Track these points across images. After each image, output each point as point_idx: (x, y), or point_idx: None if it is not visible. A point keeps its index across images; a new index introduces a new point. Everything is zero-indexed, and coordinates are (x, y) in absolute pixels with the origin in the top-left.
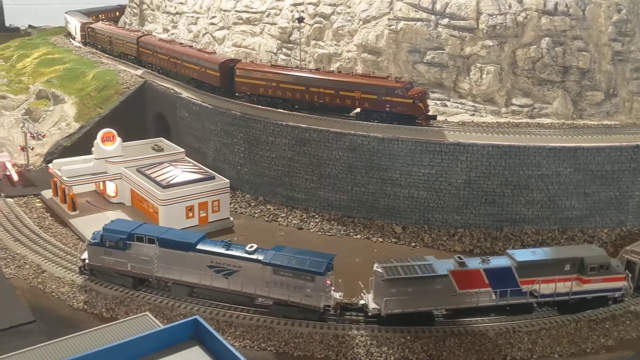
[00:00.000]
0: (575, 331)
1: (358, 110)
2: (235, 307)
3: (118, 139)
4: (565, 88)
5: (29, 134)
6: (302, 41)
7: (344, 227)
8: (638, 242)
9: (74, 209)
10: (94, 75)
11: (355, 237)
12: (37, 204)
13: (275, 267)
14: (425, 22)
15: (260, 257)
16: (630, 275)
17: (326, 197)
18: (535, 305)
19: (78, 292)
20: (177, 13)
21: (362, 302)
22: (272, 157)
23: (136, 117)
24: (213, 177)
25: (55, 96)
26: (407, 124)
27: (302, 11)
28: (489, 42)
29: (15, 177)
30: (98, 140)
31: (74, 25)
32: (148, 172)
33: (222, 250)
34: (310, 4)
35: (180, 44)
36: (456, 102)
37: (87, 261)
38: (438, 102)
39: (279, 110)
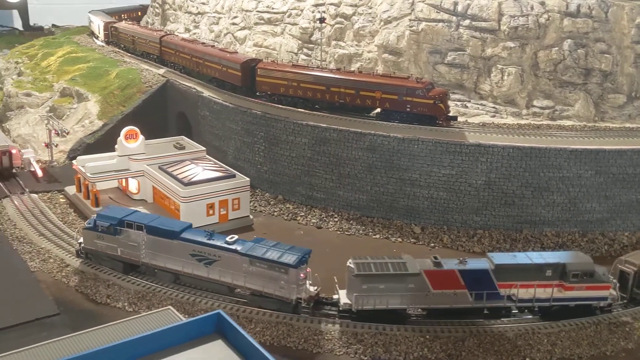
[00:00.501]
0: (595, 333)
1: (378, 110)
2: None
3: (141, 137)
4: (587, 90)
5: (53, 131)
6: (322, 41)
7: (363, 227)
8: (634, 252)
9: (97, 205)
10: (117, 74)
11: (374, 237)
12: (61, 200)
13: (251, 257)
14: (446, 23)
15: (238, 248)
16: (617, 284)
17: (345, 197)
18: (515, 309)
19: (101, 285)
20: (199, 13)
21: (335, 296)
22: (292, 156)
23: (158, 115)
24: (234, 176)
25: (79, 94)
26: (428, 125)
27: (323, 12)
28: (510, 44)
29: (39, 173)
30: (121, 137)
31: (97, 24)
32: (170, 169)
33: (204, 240)
34: (331, 4)
35: (203, 43)
36: (477, 104)
37: (82, 244)
38: (458, 103)
39: (300, 109)
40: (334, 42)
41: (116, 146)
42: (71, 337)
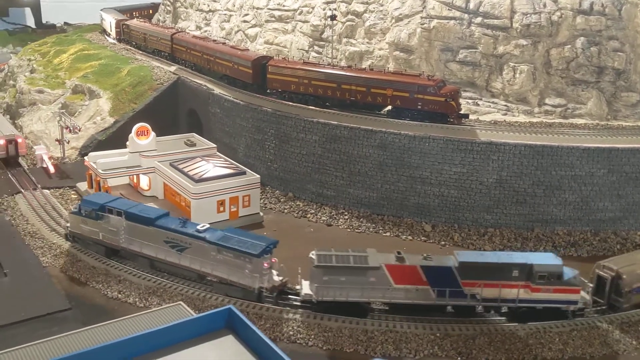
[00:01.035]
0: (608, 333)
1: (389, 107)
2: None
3: (152, 134)
4: (599, 88)
5: (65, 128)
6: (333, 39)
7: (373, 225)
8: (614, 257)
9: None
10: (129, 71)
11: (384, 234)
12: (73, 196)
13: (218, 246)
14: (458, 21)
15: (207, 236)
16: (590, 289)
17: (356, 194)
18: (480, 309)
19: (112, 281)
20: (210, 11)
21: (298, 287)
22: (303, 154)
23: (169, 112)
24: (244, 173)
25: (90, 91)
26: (439, 122)
27: (335, 9)
28: (522, 41)
29: (51, 169)
30: (133, 134)
31: (109, 22)
32: (181, 166)
33: (176, 227)
34: (342, 2)
35: (214, 41)
36: (488, 101)
37: (69, 228)
38: (470, 101)
39: (310, 107)
40: (345, 40)
41: (127, 143)
42: (82, 331)
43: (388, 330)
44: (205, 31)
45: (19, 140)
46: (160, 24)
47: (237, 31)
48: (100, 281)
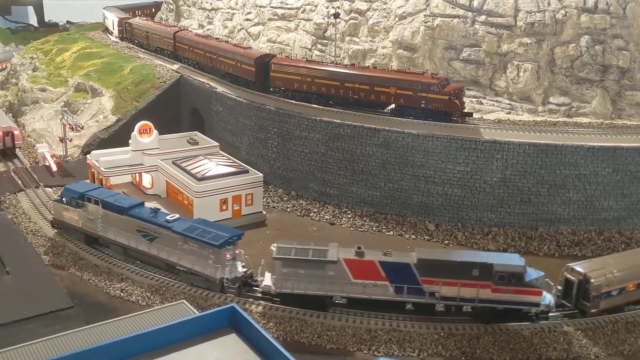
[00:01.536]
0: (613, 333)
1: (393, 106)
2: (268, 300)
3: (155, 132)
4: (604, 87)
5: (67, 126)
6: (337, 37)
7: (377, 224)
8: (584, 261)
9: None
10: (131, 70)
11: (387, 233)
12: None
13: (184, 236)
14: (462, 19)
15: (174, 227)
16: (555, 291)
17: (359, 193)
18: (441, 307)
19: (115, 279)
20: (212, 9)
21: (260, 278)
22: (306, 152)
23: (171, 110)
24: (247, 171)
25: (93, 89)
26: (443, 121)
27: (338, 7)
28: (526, 40)
29: (54, 167)
30: (135, 132)
31: (112, 20)
32: (183, 164)
33: (147, 217)
34: (345, 0)
35: (216, 39)
36: (492, 100)
37: (52, 215)
38: (474, 99)
39: (313, 105)
40: (348, 38)
41: (130, 141)
42: (85, 329)
43: (392, 329)
44: (208, 29)
45: (16, 132)
46: (163, 22)
47: (240, 29)
48: (103, 279)
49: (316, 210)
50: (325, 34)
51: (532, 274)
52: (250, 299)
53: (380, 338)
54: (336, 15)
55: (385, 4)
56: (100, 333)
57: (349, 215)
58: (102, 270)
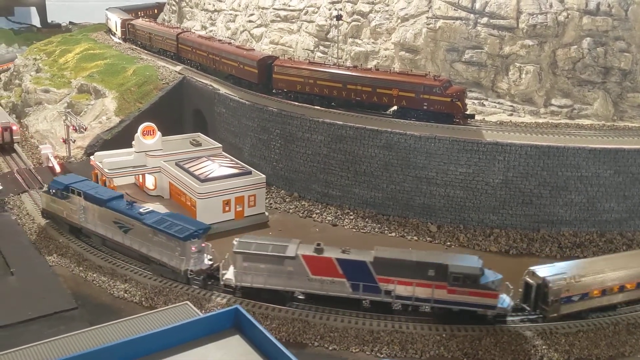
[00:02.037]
0: (614, 334)
1: (395, 108)
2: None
3: (158, 133)
4: (606, 89)
5: (71, 127)
6: (339, 39)
7: (379, 225)
8: (546, 265)
9: None
10: (134, 71)
11: (389, 235)
12: None
13: (152, 228)
14: (464, 21)
15: (145, 219)
16: (511, 294)
17: (361, 195)
18: (398, 306)
19: (118, 280)
20: (215, 10)
21: (223, 272)
22: (308, 154)
23: (174, 112)
24: (250, 172)
25: (96, 90)
26: (445, 123)
27: (340, 9)
28: (528, 42)
29: (57, 168)
30: (139, 133)
31: (115, 21)
32: (186, 166)
33: (122, 209)
34: (348, 1)
35: (219, 40)
36: (494, 102)
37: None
38: (476, 101)
39: (316, 107)
40: (350, 40)
41: (133, 142)
42: (89, 330)
43: (394, 330)
44: (211, 31)
45: (14, 127)
46: (166, 23)
47: (243, 31)
48: (107, 280)
49: (318, 211)
50: (328, 36)
51: (490, 276)
52: (215, 291)
53: (382, 339)
54: (338, 17)
55: (388, 5)
56: (104, 334)
57: (352, 217)
58: (105, 271)
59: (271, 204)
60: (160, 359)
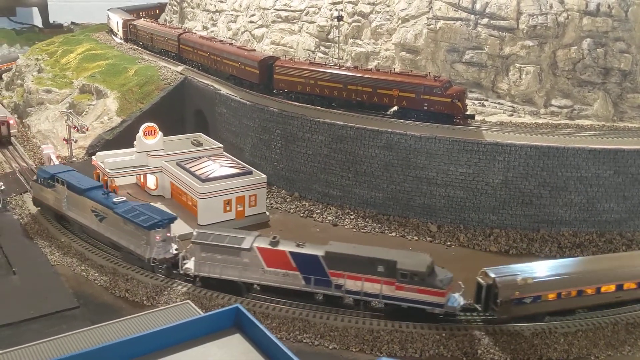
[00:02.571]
0: (613, 334)
1: (395, 108)
2: (272, 299)
3: (159, 133)
4: (606, 90)
5: (72, 127)
6: (340, 39)
7: (379, 225)
8: (502, 266)
9: None
10: (136, 71)
11: (390, 234)
12: None
13: (122, 217)
14: (464, 22)
15: (116, 208)
16: (461, 293)
17: (362, 195)
18: (350, 301)
19: (120, 279)
20: (216, 11)
21: (185, 262)
22: (309, 154)
23: (176, 112)
24: (250, 172)
25: (98, 91)
26: (445, 123)
27: (341, 10)
28: (529, 43)
29: None
30: (140, 134)
31: (116, 22)
32: (187, 166)
33: (98, 198)
34: (349, 2)
35: (221, 41)
36: (494, 102)
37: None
38: (476, 101)
39: (316, 107)
40: (351, 40)
41: (135, 142)
42: (90, 329)
43: (394, 330)
44: (212, 31)
45: (11, 121)
46: (167, 24)
47: (244, 31)
48: (108, 280)
49: (319, 211)
50: (329, 37)
51: (440, 274)
52: (177, 280)
53: (382, 338)
54: (339, 18)
55: (388, 6)
56: (105, 333)
57: (352, 217)
58: (107, 271)
59: (272, 203)
60: (161, 358)
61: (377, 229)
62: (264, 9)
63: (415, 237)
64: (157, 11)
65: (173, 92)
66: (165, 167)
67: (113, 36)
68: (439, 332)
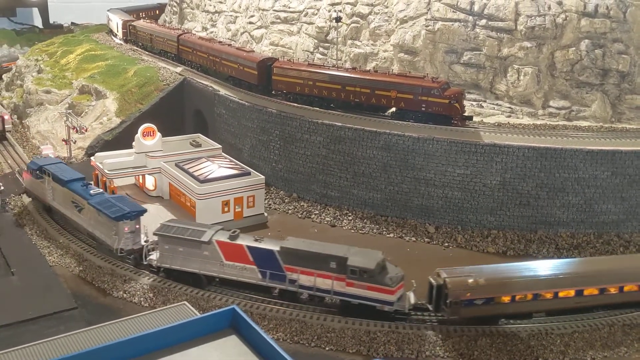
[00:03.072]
0: (609, 335)
1: (393, 109)
2: (269, 300)
3: (158, 134)
4: (604, 91)
5: (72, 128)
6: (338, 40)
7: (377, 226)
8: (455, 267)
9: None
10: (135, 72)
11: (388, 235)
12: None
13: (95, 208)
14: (462, 23)
15: (90, 199)
16: (412, 292)
17: (360, 196)
18: (305, 296)
19: (118, 281)
20: (216, 12)
21: (151, 253)
22: (307, 155)
23: (175, 113)
24: (249, 173)
25: (97, 91)
26: (443, 124)
27: (340, 11)
28: (527, 44)
29: None
30: (139, 135)
31: (116, 22)
32: (186, 166)
33: (77, 189)
34: (347, 3)
35: (220, 42)
36: (492, 103)
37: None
38: (474, 103)
39: (315, 108)
40: (349, 42)
41: (134, 143)
42: (88, 330)
43: (390, 331)
44: (211, 32)
45: (5, 117)
46: (167, 24)
47: (243, 32)
48: (106, 281)
49: (317, 212)
50: (327, 38)
51: (391, 272)
52: (144, 271)
53: (379, 340)
54: (338, 19)
55: (387, 7)
56: (102, 334)
57: (350, 218)
58: (105, 272)
59: (270, 204)
60: (158, 359)
61: (375, 230)
62: (263, 10)
63: (413, 238)
64: (157, 12)
65: (172, 92)
66: (164, 168)
67: (113, 37)
68: (436, 333)
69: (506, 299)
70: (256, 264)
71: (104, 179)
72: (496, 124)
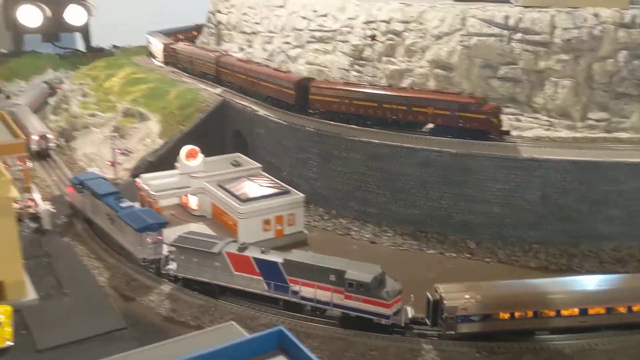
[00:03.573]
0: None
1: (431, 125)
2: (312, 319)
3: (200, 155)
4: None
5: (117, 150)
6: (374, 58)
7: (417, 242)
8: (455, 282)
9: None
10: (176, 94)
11: (428, 252)
12: None
13: (122, 220)
14: (498, 37)
15: (119, 212)
16: (407, 306)
17: (398, 212)
18: (308, 308)
19: (165, 300)
20: (252, 33)
21: (170, 263)
22: (345, 172)
23: (215, 133)
24: (289, 192)
25: (140, 114)
26: (481, 139)
27: (374, 29)
28: (564, 56)
29: None
30: (182, 156)
31: (157, 46)
32: (227, 186)
33: (109, 202)
34: (382, 21)
35: (257, 63)
36: (530, 117)
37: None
38: (511, 116)
39: (352, 126)
40: (385, 59)
41: (177, 164)
42: (138, 352)
43: (434, 349)
44: (248, 53)
45: (49, 136)
46: (205, 46)
47: (279, 52)
48: (154, 300)
49: (356, 229)
50: (363, 55)
51: (389, 286)
52: (164, 280)
53: (423, 358)
54: (373, 37)
55: (421, 24)
56: (152, 355)
57: (389, 234)
58: (153, 291)
59: (309, 222)
60: None
61: (415, 247)
62: (299, 30)
63: (454, 254)
64: (194, 33)
65: (213, 113)
66: (206, 188)
67: (152, 59)
68: (479, 350)
69: (505, 315)
70: (262, 275)
71: (150, 200)
72: (535, 138)
